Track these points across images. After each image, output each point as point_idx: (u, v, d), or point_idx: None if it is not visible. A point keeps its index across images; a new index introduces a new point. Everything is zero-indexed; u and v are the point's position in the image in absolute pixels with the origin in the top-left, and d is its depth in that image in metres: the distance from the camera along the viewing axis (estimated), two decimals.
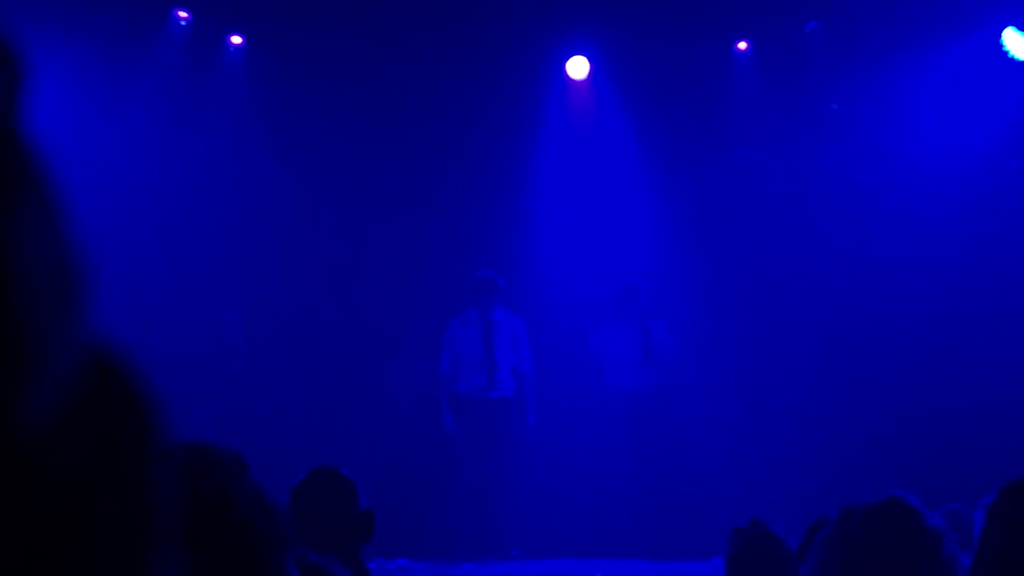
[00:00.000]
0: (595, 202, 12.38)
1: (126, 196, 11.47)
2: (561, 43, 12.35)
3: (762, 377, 11.84)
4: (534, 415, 11.30)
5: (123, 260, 10.59)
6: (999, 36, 11.64)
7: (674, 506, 11.24)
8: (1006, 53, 11.63)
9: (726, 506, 10.29)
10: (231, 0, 12.01)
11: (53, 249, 0.75)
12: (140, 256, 11.31)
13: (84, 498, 0.77)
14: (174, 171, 11.74)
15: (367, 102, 12.10)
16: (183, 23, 11.92)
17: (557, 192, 12.42)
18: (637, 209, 12.36)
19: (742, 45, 12.33)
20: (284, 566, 1.62)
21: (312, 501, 4.27)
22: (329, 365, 11.86)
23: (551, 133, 12.47)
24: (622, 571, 9.81)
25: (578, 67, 12.43)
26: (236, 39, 12.22)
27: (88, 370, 0.79)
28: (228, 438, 1.76)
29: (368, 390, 11.84)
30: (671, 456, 11.41)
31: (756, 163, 12.14)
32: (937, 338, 11.59)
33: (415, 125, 12.13)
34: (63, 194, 0.76)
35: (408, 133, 12.13)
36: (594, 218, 12.34)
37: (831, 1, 11.87)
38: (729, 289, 11.98)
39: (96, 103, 11.53)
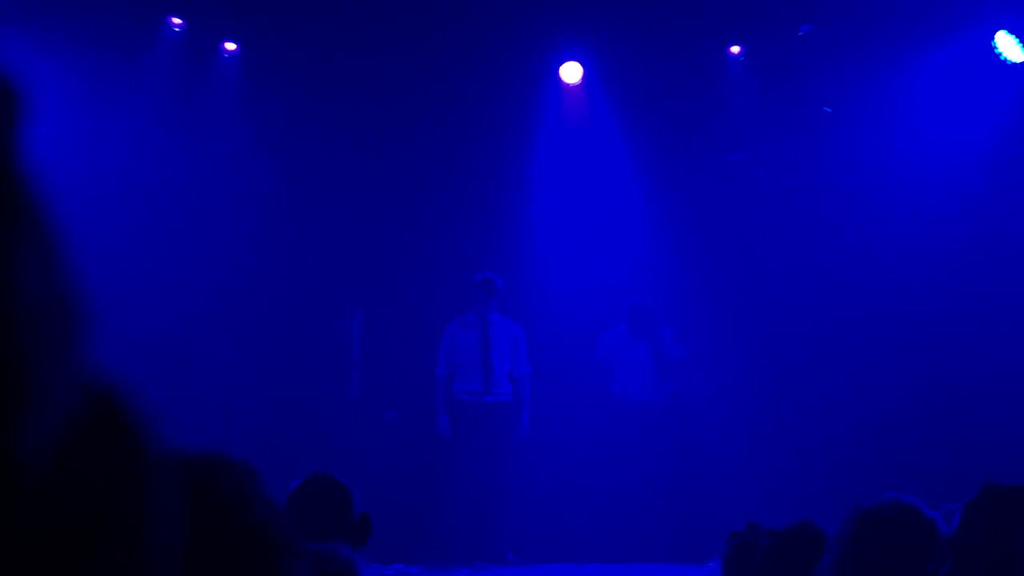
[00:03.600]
0: (590, 206, 12.37)
1: (120, 202, 11.47)
2: (554, 48, 12.35)
3: (759, 381, 11.84)
4: (528, 417, 11.30)
5: (114, 265, 10.61)
6: (991, 38, 11.66)
7: (672, 511, 11.24)
8: (998, 56, 11.66)
9: (726, 511, 10.28)
10: (225, 7, 12.01)
11: (50, 282, 0.76)
12: (132, 260, 11.32)
13: (82, 528, 0.78)
14: (168, 177, 11.73)
15: (362, 107, 12.09)
16: (177, 30, 11.92)
17: (552, 196, 12.41)
18: (632, 213, 12.36)
19: (735, 49, 12.33)
20: (296, 573, 1.64)
21: (308, 507, 4.27)
22: (321, 368, 11.85)
23: (545, 138, 12.46)
24: (618, 575, 9.81)
25: (572, 72, 12.43)
26: (230, 46, 12.22)
27: (85, 403, 0.80)
28: (225, 443, 1.77)
29: (362, 393, 11.83)
30: (675, 463, 11.41)
31: (750, 167, 12.14)
32: (934, 337, 11.62)
33: (410, 130, 12.12)
34: (59, 225, 0.77)
35: (403, 138, 12.13)
36: (589, 222, 12.34)
37: (824, 4, 11.88)
38: (724, 293, 11.98)
39: (91, 110, 11.53)
